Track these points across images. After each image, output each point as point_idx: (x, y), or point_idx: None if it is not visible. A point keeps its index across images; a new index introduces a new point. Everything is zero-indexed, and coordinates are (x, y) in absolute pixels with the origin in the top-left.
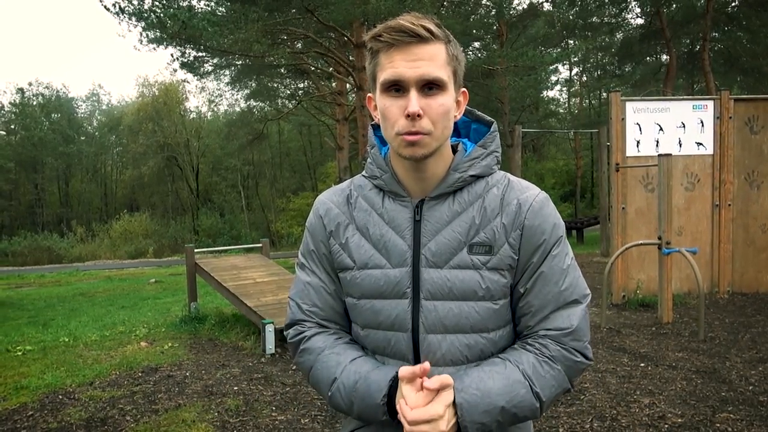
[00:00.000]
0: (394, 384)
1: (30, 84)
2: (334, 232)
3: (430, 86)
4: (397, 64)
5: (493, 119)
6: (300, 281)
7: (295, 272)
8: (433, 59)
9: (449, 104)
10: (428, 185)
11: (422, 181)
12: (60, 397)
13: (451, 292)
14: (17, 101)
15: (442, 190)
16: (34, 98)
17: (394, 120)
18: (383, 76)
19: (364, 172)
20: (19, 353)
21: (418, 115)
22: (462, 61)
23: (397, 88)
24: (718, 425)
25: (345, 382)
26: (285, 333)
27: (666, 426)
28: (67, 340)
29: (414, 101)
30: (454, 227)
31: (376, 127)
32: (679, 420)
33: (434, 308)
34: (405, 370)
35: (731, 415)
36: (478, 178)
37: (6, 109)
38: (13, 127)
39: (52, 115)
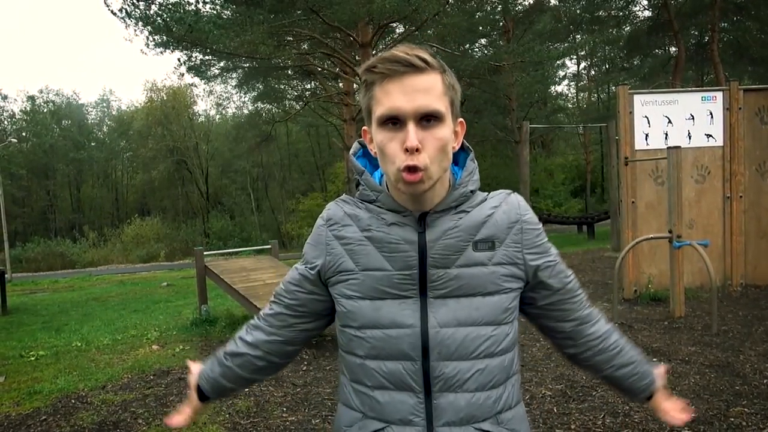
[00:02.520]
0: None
1: (40, 91)
2: (337, 233)
3: (428, 118)
4: (394, 97)
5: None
6: (290, 273)
7: None
8: (429, 91)
9: (447, 137)
10: (427, 205)
11: (421, 204)
12: (72, 401)
13: (460, 289)
14: (28, 109)
15: (446, 205)
16: (45, 105)
17: (393, 155)
18: (379, 110)
19: (358, 195)
20: (33, 358)
21: (417, 149)
22: (458, 90)
23: (394, 121)
24: (732, 419)
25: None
26: None
27: None
28: (79, 344)
29: (412, 135)
30: (459, 228)
31: (357, 154)
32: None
33: (445, 303)
34: None
35: (745, 409)
36: (473, 192)
37: (17, 116)
38: (24, 134)
39: (63, 121)
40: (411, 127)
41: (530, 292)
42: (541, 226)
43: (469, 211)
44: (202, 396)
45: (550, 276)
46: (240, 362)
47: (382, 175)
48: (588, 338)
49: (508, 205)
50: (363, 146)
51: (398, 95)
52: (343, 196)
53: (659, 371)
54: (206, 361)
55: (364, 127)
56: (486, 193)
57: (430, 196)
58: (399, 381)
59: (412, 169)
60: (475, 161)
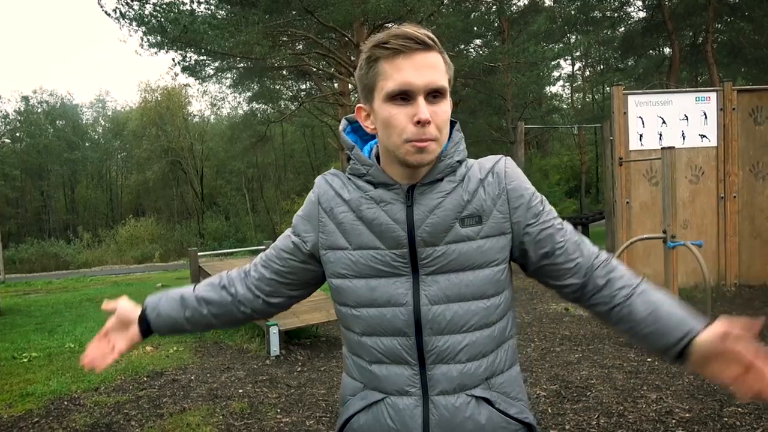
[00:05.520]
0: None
1: (34, 92)
2: (328, 211)
3: (435, 94)
4: (406, 73)
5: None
6: (282, 236)
7: None
8: (436, 68)
9: (449, 111)
10: (416, 177)
11: (412, 177)
12: (65, 403)
13: (450, 265)
14: (22, 109)
15: (433, 177)
16: (39, 106)
17: (402, 127)
18: (390, 85)
19: (349, 170)
20: (25, 360)
21: (428, 122)
22: (453, 69)
23: (404, 96)
24: (726, 419)
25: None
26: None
27: (673, 421)
28: (72, 346)
29: (424, 108)
30: (445, 206)
31: (346, 131)
32: (687, 415)
33: (436, 281)
34: None
35: (739, 409)
36: (460, 163)
37: (11, 117)
38: (18, 134)
39: (57, 122)
40: (422, 101)
41: (521, 257)
42: (529, 191)
43: (455, 184)
44: (146, 330)
45: (535, 240)
46: (218, 311)
47: (370, 150)
48: (593, 302)
49: (494, 177)
50: (350, 122)
51: (410, 71)
52: (332, 170)
53: (715, 328)
54: (156, 297)
55: (359, 105)
56: (475, 161)
57: (422, 171)
58: (395, 355)
59: (423, 140)
60: (461, 132)
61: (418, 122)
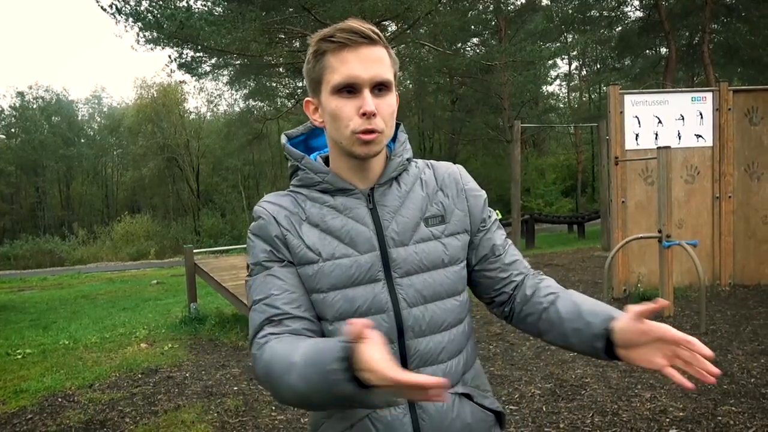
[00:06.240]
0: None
1: (30, 87)
2: (289, 229)
3: (380, 87)
4: (352, 66)
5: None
6: (263, 282)
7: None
8: (381, 61)
9: (395, 104)
10: (371, 178)
11: (366, 177)
12: (59, 400)
13: (422, 265)
14: (17, 105)
15: (388, 176)
16: (34, 101)
17: (348, 119)
18: (336, 78)
19: (296, 182)
20: (19, 356)
21: (373, 114)
22: (398, 64)
23: (350, 89)
24: (720, 418)
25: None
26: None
27: (667, 420)
28: (67, 342)
29: (370, 101)
30: (408, 206)
31: (292, 143)
32: (681, 414)
33: (411, 283)
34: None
35: (733, 408)
36: (409, 161)
37: (6, 112)
38: (13, 130)
39: (52, 118)
40: (368, 93)
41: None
42: (483, 194)
43: (412, 184)
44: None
45: (479, 243)
46: None
47: (315, 159)
48: (524, 313)
49: (450, 178)
50: (289, 138)
51: (356, 64)
52: (271, 194)
53: (630, 312)
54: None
55: (307, 99)
56: (423, 162)
57: (374, 166)
58: None
59: (369, 131)
60: (405, 132)
61: (364, 114)
